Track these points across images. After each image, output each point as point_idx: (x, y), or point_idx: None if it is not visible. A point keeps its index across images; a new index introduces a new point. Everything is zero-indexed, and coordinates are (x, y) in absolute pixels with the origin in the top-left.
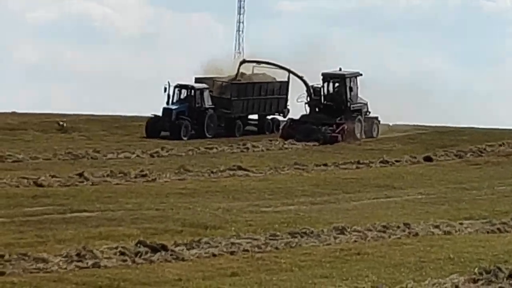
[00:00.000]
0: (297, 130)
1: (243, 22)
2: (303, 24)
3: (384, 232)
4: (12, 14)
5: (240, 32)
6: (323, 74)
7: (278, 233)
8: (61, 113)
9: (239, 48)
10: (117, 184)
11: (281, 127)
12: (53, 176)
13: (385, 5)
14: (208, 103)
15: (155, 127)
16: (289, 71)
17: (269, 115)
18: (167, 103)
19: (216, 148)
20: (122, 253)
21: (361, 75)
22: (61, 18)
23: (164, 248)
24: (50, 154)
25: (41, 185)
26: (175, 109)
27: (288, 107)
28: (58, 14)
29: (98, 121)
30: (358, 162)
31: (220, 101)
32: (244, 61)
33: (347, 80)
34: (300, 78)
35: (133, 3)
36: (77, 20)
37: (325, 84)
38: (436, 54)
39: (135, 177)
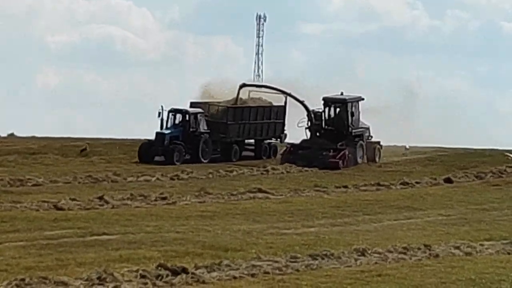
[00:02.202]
0: (297, 155)
1: (262, 45)
2: (323, 47)
3: (405, 253)
4: (33, 38)
5: (260, 55)
6: (324, 99)
7: (299, 255)
8: (81, 137)
9: (258, 71)
10: (137, 207)
11: (280, 152)
12: (73, 200)
13: (406, 27)
14: (203, 127)
15: (148, 152)
16: (290, 95)
17: (266, 139)
18: (161, 127)
19: (236, 170)
20: (142, 276)
21: (363, 99)
22: (82, 43)
23: (184, 271)
24: (70, 178)
25: (61, 209)
26: (168, 133)
27: (286, 131)
28: (79, 39)
29: (118, 144)
30: (378, 184)
31: (216, 126)
32: (243, 85)
33: (349, 104)
34: (301, 102)
35: (154, 27)
36: (98, 44)
37: (326, 109)
38: (457, 75)
39: (155, 200)
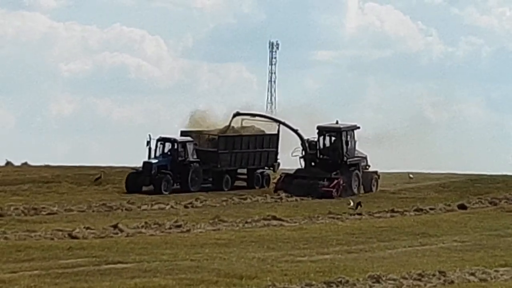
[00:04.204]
0: (291, 184)
1: (275, 73)
2: (336, 73)
3: (420, 280)
4: (47, 66)
5: (272, 82)
6: (318, 128)
7: (314, 283)
8: (94, 165)
9: (271, 98)
10: (152, 235)
11: (274, 181)
12: (87, 228)
13: (419, 53)
14: (192, 156)
15: (135, 182)
16: (284, 124)
17: (259, 169)
18: (149, 156)
19: (250, 198)
20: None
21: (358, 128)
22: (96, 71)
23: None
24: (85, 206)
25: (75, 237)
26: (155, 163)
27: (279, 160)
28: (93, 67)
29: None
30: (393, 211)
31: (207, 155)
32: (237, 114)
33: (343, 133)
34: (295, 131)
35: (167, 55)
36: (112, 72)
37: (321, 138)
38: (470, 101)
39: (170, 228)
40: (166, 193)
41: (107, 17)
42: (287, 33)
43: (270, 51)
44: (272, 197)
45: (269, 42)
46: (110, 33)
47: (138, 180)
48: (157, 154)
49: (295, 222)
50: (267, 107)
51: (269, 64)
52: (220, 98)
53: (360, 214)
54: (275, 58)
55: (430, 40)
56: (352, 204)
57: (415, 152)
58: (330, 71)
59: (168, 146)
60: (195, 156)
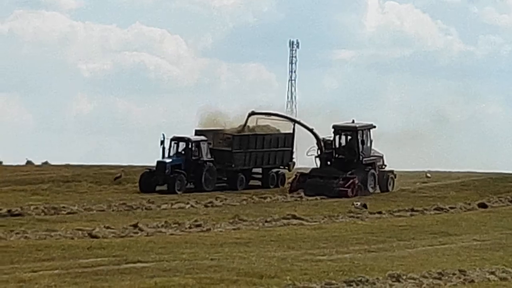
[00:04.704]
0: (306, 184)
1: (295, 71)
2: (355, 72)
3: (440, 279)
4: (67, 66)
5: (293, 81)
6: (334, 127)
7: (334, 282)
8: (114, 164)
9: (291, 97)
10: (172, 234)
11: (289, 181)
12: (107, 227)
13: (439, 52)
14: (206, 155)
15: (149, 181)
16: (299, 123)
17: (274, 168)
18: (162, 156)
19: (270, 197)
20: None
21: (374, 127)
22: (116, 70)
23: None
24: (104, 206)
25: (95, 237)
26: (169, 162)
27: (294, 160)
28: (113, 66)
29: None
30: (412, 210)
31: (221, 154)
32: (252, 113)
33: (359, 132)
34: (310, 130)
35: (187, 54)
36: (131, 71)
37: (337, 137)
38: (490, 100)
39: (190, 227)
40: (180, 192)
41: (126, 16)
42: (307, 32)
43: (290, 50)
44: (292, 196)
45: (289, 41)
46: (130, 33)
47: (151, 180)
48: (171, 154)
49: (315, 221)
50: (287, 106)
51: (289, 63)
52: (240, 98)
53: (380, 212)
54: (295, 57)
55: (450, 39)
56: (358, 204)
57: (435, 151)
58: (350, 70)
59: (182, 145)
60: (209, 156)
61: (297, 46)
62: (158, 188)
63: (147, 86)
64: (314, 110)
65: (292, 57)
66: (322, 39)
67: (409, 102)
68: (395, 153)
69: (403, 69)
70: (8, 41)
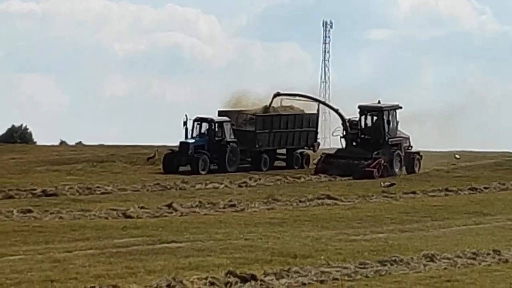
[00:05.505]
0: (331, 165)
1: (329, 52)
2: (390, 52)
3: (474, 259)
4: (102, 46)
5: (326, 61)
6: (360, 107)
7: (368, 261)
8: (148, 145)
9: (325, 78)
10: (206, 214)
11: (315, 161)
12: (141, 208)
13: (474, 32)
14: (229, 136)
15: (172, 162)
16: (325, 104)
17: (298, 149)
18: (185, 136)
19: (304, 177)
20: (212, 283)
21: (400, 107)
22: (150, 50)
23: (253, 278)
24: (139, 186)
25: (130, 217)
26: (192, 143)
27: (319, 140)
28: (147, 46)
29: None
30: (447, 190)
31: (244, 135)
32: (278, 94)
33: (385, 113)
34: (336, 111)
35: (221, 34)
36: (166, 52)
37: (363, 117)
38: None
39: (224, 207)
40: (204, 173)
41: None
42: (340, 12)
43: (324, 30)
44: (325, 176)
45: (323, 21)
46: (164, 13)
47: (174, 160)
48: (194, 134)
49: (349, 201)
50: (321, 86)
51: (323, 43)
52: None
53: (414, 192)
54: (328, 37)
55: (484, 19)
56: (387, 183)
57: (470, 131)
58: (384, 50)
59: (205, 126)
60: (232, 136)
61: (331, 26)
62: (181, 168)
63: (181, 66)
64: (348, 91)
65: (326, 37)
66: (356, 19)
67: (443, 82)
68: (427, 133)
69: (438, 49)
70: (42, 22)
